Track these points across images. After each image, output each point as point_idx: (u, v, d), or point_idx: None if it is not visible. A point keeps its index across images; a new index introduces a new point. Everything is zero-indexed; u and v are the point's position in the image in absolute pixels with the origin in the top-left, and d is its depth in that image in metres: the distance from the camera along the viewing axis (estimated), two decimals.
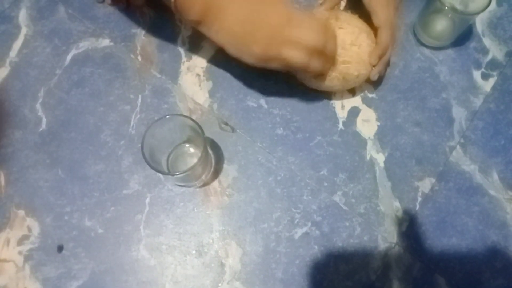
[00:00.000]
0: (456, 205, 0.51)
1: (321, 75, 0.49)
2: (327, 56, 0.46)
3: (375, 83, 0.55)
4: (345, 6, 0.59)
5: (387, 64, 0.54)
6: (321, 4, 0.54)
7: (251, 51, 0.44)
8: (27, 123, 0.54)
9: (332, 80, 0.50)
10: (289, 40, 0.43)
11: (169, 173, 0.48)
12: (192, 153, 0.52)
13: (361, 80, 0.51)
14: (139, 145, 0.43)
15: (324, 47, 0.44)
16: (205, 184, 0.51)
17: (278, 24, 0.43)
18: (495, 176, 0.52)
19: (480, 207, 0.51)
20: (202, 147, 0.44)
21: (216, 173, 0.52)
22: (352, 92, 0.55)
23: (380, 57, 0.50)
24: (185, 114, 0.53)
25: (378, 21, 0.50)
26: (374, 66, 0.50)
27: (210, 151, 0.52)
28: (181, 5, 0.44)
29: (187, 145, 0.52)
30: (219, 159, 0.52)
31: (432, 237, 0.50)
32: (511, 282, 0.48)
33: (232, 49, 0.45)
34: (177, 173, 0.43)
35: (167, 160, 0.51)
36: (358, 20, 0.51)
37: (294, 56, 0.43)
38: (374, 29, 0.51)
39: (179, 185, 0.51)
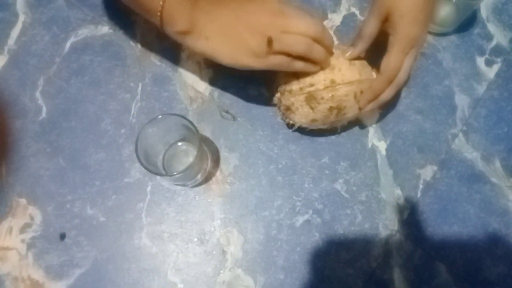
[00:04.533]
0: (458, 192, 0.51)
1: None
2: (326, 45, 0.45)
3: None
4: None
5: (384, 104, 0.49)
6: (352, 46, 0.47)
7: (248, 47, 0.42)
8: (27, 112, 0.53)
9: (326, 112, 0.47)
10: (287, 30, 0.42)
11: (166, 174, 0.48)
12: (187, 152, 0.51)
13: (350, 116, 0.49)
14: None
15: (322, 35, 0.44)
16: (200, 184, 0.51)
17: (272, 17, 0.42)
18: (497, 164, 0.52)
19: (481, 194, 0.51)
20: (197, 146, 0.44)
21: (217, 161, 0.52)
22: None
23: (369, 101, 0.47)
24: (185, 102, 0.53)
25: (382, 67, 0.46)
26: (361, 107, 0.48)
27: (205, 148, 0.51)
28: (168, 16, 0.42)
29: (181, 143, 0.51)
30: (219, 148, 0.52)
31: (433, 224, 0.50)
32: None
33: (226, 52, 0.43)
34: (175, 173, 0.43)
35: (163, 159, 0.50)
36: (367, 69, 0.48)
37: (295, 42, 0.43)
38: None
39: (176, 184, 0.51)
